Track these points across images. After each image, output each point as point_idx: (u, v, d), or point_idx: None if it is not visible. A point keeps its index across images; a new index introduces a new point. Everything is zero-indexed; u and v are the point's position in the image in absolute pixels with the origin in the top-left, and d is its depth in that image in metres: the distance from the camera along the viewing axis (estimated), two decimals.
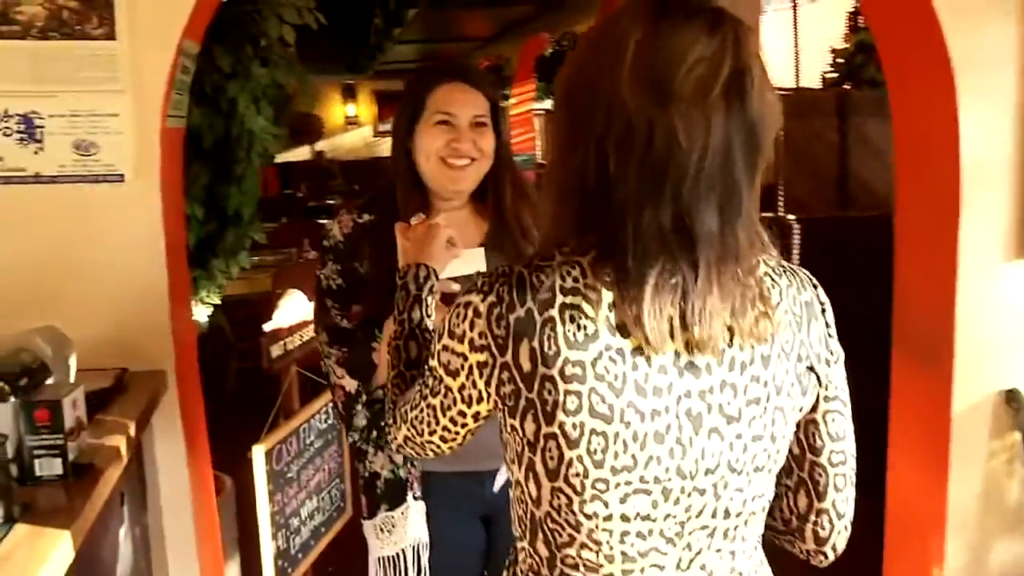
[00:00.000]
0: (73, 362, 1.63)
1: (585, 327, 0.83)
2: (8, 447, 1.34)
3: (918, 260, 2.12)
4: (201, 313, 2.69)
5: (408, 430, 1.04)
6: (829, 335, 0.96)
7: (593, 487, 0.85)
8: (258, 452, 2.32)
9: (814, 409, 0.95)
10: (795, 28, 5.11)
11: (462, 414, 0.96)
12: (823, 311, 0.95)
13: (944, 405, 2.01)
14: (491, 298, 0.86)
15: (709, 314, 0.82)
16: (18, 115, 1.84)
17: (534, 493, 0.89)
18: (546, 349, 0.83)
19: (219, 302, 2.74)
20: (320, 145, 13.14)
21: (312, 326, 2.88)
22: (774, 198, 3.37)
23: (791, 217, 3.35)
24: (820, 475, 0.97)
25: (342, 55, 10.93)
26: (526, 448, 0.87)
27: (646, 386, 0.84)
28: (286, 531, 2.48)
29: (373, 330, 1.59)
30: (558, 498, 0.87)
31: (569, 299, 0.83)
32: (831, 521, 0.99)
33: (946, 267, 1.99)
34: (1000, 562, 2.09)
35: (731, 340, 0.86)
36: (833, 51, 4.48)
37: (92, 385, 1.77)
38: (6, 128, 1.84)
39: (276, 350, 2.48)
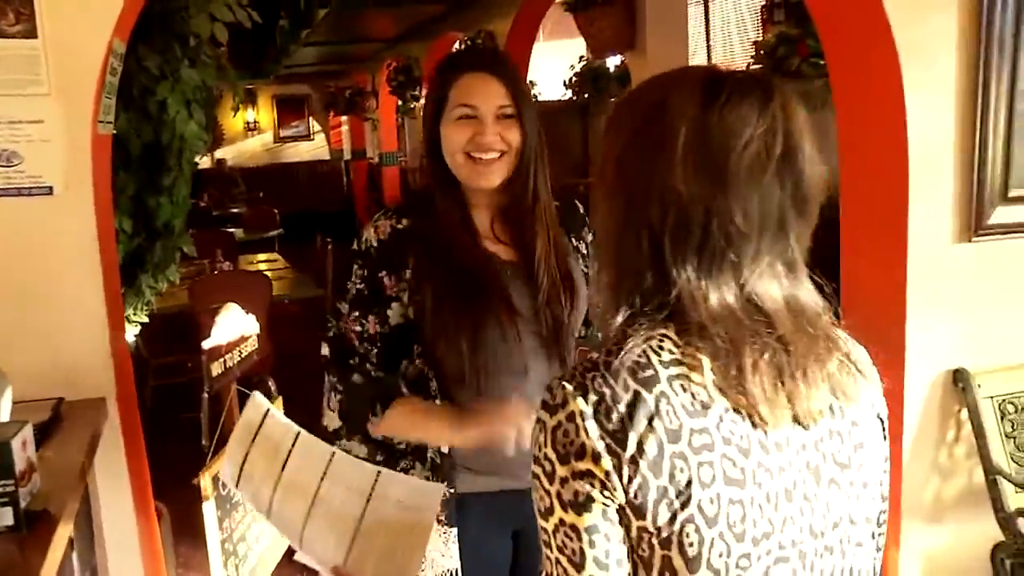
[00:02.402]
0: (8, 397, 1.48)
1: (697, 394, 0.79)
2: None
3: (867, 248, 2.16)
4: (128, 333, 2.51)
5: None
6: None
7: (737, 566, 0.79)
8: (206, 480, 2.18)
9: None
10: (707, 22, 5.21)
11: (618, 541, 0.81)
12: (872, 363, 0.94)
13: (897, 387, 2.06)
14: (591, 396, 0.79)
15: (810, 383, 0.82)
16: None
17: None
18: (668, 425, 0.78)
19: (147, 320, 2.55)
20: (220, 152, 12.67)
21: (251, 339, 2.79)
22: None
23: None
24: None
25: (247, 59, 10.54)
26: (657, 547, 0.79)
27: (767, 442, 0.81)
28: (235, 558, 2.34)
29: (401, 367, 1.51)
30: None
31: (673, 370, 0.80)
32: None
33: (896, 253, 2.04)
34: (955, 539, 2.15)
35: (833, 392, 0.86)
36: (756, 44, 4.56)
37: (29, 419, 1.62)
38: None
39: (216, 368, 2.34)
